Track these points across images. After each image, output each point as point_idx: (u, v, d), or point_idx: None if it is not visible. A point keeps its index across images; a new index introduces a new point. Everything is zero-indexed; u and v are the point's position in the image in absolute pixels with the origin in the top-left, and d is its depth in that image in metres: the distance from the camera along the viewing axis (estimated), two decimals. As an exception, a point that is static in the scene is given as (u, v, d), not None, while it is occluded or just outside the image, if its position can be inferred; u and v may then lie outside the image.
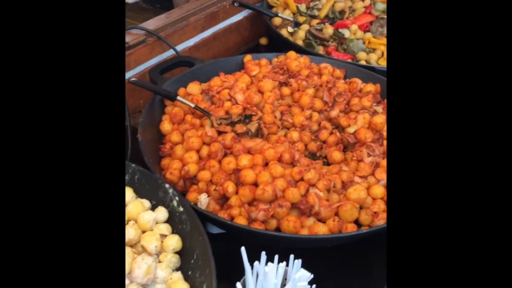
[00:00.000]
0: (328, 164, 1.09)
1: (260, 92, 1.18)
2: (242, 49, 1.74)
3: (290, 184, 0.95)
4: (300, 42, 1.48)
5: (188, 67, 1.30)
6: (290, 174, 0.96)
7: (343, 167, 1.01)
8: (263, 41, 1.74)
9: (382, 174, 0.99)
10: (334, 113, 1.16)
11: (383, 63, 1.41)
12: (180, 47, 1.43)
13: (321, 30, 1.49)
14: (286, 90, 1.19)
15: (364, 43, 1.47)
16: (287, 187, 0.94)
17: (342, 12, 1.61)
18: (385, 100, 1.23)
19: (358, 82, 1.23)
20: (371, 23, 1.50)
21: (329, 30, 1.47)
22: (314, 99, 1.18)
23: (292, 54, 1.33)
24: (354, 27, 1.47)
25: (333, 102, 1.18)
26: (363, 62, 1.41)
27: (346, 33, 1.47)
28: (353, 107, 1.16)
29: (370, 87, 1.21)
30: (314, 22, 1.58)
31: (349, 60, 1.42)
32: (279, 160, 1.01)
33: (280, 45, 1.52)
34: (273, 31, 1.52)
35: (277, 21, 1.62)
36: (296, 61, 1.25)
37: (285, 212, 0.91)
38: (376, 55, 1.44)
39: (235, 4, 1.55)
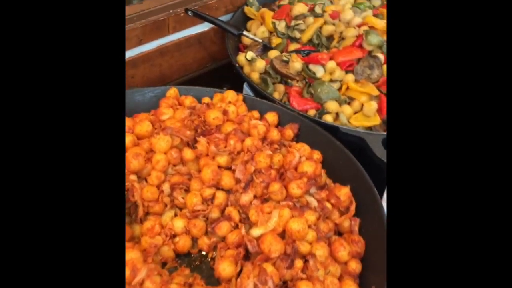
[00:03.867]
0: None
1: (152, 151, 0.85)
2: (209, 66, 1.40)
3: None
4: (255, 76, 1.12)
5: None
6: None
7: (208, 303, 0.66)
8: (237, 59, 1.38)
9: (262, 328, 0.63)
10: (245, 198, 0.81)
11: (356, 122, 1.02)
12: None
13: (287, 62, 1.12)
14: (188, 154, 0.85)
15: (340, 88, 1.08)
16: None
17: (330, 38, 1.22)
18: (336, 185, 0.86)
19: (295, 155, 0.86)
20: (358, 60, 1.10)
21: (296, 64, 1.09)
22: (223, 172, 0.83)
23: (229, 94, 0.99)
24: (332, 64, 1.08)
25: (248, 181, 0.82)
26: (329, 118, 1.03)
27: (319, 71, 1.08)
28: (272, 195, 0.80)
29: (308, 165, 0.84)
30: (293, 47, 1.20)
31: (309, 113, 1.04)
32: (118, 275, 0.68)
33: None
34: (230, 55, 1.17)
35: (247, 39, 1.26)
36: (217, 112, 0.90)
37: None
38: (352, 108, 1.05)
39: (189, 13, 1.20)
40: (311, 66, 1.09)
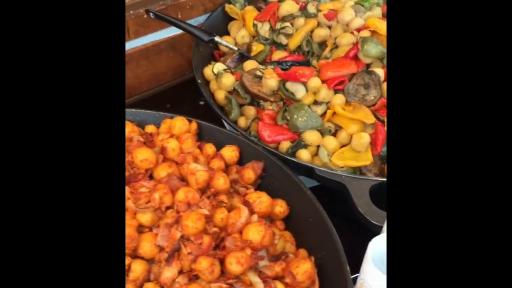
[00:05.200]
0: None
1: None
2: (188, 74, 1.20)
3: None
4: (221, 95, 0.91)
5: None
6: None
7: None
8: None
9: None
10: (167, 274, 0.61)
11: (339, 161, 0.79)
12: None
13: (260, 78, 0.89)
14: (102, 209, 0.65)
15: (323, 113, 0.85)
16: None
17: (323, 44, 0.98)
18: (298, 253, 0.64)
19: (241, 213, 0.64)
20: (351, 76, 0.86)
21: (270, 81, 0.87)
22: (142, 237, 0.64)
23: (177, 123, 0.78)
24: (315, 82, 0.85)
25: (172, 251, 0.62)
26: (304, 154, 0.80)
27: (299, 91, 0.86)
28: (200, 273, 0.60)
29: (255, 232, 0.62)
30: (277, 55, 0.98)
31: (282, 146, 0.82)
32: None
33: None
34: (194, 68, 0.96)
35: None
36: (147, 151, 0.70)
37: None
38: (338, 140, 0.82)
39: (150, 14, 1.00)
40: (288, 85, 0.86)
